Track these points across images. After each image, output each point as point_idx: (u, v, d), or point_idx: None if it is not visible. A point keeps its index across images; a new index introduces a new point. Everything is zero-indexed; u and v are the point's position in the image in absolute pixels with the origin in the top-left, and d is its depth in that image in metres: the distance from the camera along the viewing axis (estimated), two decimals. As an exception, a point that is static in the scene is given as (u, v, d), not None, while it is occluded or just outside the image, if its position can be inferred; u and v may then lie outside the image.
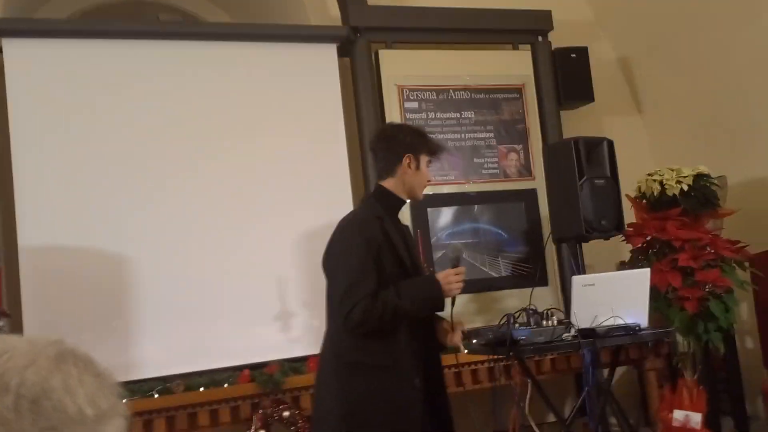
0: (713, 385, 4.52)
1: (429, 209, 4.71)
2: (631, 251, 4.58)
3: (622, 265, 4.82)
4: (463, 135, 4.91)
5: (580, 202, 4.06)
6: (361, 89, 4.68)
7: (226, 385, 3.79)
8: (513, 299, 4.58)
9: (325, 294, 2.59)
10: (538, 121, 5.06)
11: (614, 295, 3.34)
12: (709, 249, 4.30)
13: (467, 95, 4.94)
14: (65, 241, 3.96)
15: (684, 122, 5.37)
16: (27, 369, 0.66)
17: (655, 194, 4.46)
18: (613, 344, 3.46)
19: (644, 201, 4.57)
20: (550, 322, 3.37)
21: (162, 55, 4.33)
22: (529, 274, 4.78)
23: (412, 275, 2.55)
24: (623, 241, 4.53)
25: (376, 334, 2.46)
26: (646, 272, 3.49)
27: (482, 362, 4.11)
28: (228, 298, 4.16)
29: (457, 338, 2.65)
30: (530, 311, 3.39)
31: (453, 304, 2.61)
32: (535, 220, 4.91)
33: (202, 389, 3.74)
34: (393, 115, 4.70)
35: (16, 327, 3.74)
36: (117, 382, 0.74)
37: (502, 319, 3.30)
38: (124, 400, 0.74)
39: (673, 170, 4.46)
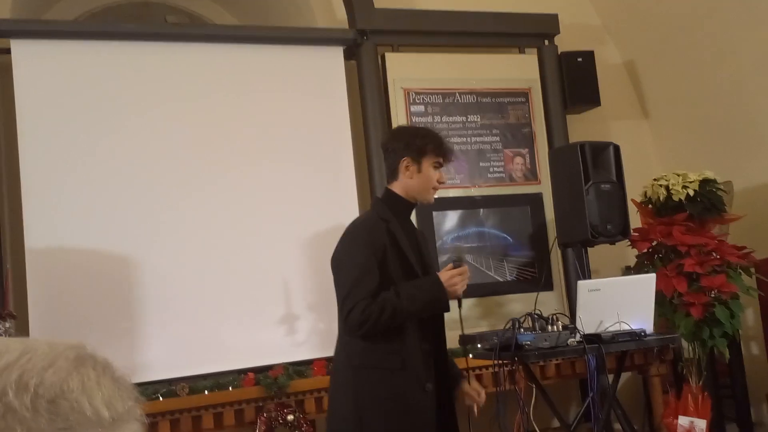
0: (718, 392, 4.51)
1: (434, 212, 4.71)
2: (637, 256, 4.57)
3: (628, 270, 4.82)
4: (469, 139, 4.91)
5: (585, 206, 4.06)
6: (367, 92, 4.69)
7: (230, 388, 3.79)
8: (518, 304, 4.58)
9: (333, 298, 2.61)
10: (544, 125, 5.06)
11: (620, 301, 3.34)
12: (714, 254, 4.29)
13: (473, 99, 4.94)
14: (72, 243, 3.97)
15: (690, 127, 5.36)
16: (46, 370, 0.67)
17: (661, 199, 4.45)
18: (618, 350, 3.45)
19: (650, 206, 4.56)
20: (555, 327, 3.35)
21: (169, 56, 4.34)
22: (534, 278, 4.77)
23: (417, 272, 2.54)
24: (629, 246, 4.52)
25: (377, 335, 2.45)
26: (651, 277, 3.49)
27: (486, 367, 4.11)
28: (233, 301, 4.17)
29: (480, 401, 2.69)
30: (535, 316, 3.38)
31: (460, 305, 2.59)
32: (540, 225, 4.91)
33: (206, 392, 3.74)
34: (399, 118, 4.70)
35: (23, 328, 3.75)
36: (134, 386, 0.74)
37: (507, 323, 3.29)
38: (139, 405, 0.74)
39: (679, 175, 4.46)
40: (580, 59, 5.16)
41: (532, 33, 5.13)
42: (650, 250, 4.46)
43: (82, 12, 5.53)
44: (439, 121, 4.83)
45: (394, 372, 2.45)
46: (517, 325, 3.25)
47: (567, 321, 3.45)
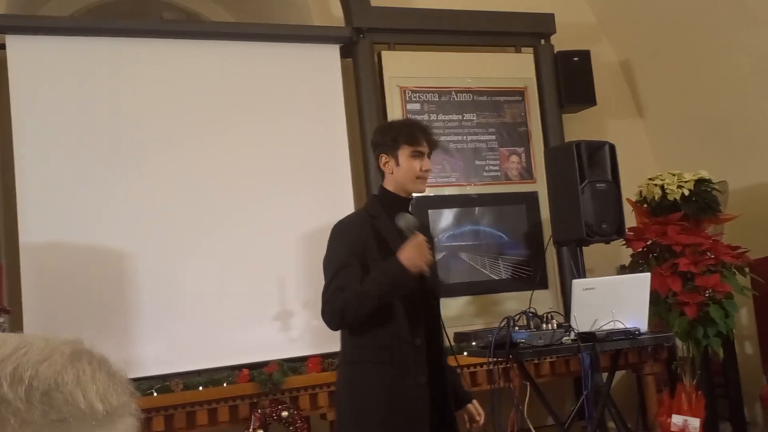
0: (712, 391, 4.52)
1: (430, 211, 4.72)
2: (632, 255, 4.58)
3: (623, 269, 4.83)
4: (464, 137, 4.91)
5: (581, 205, 4.06)
6: (363, 90, 4.69)
7: (225, 385, 3.79)
8: (513, 302, 4.58)
9: None
10: (539, 124, 5.07)
11: (614, 299, 3.34)
12: (709, 254, 4.30)
13: (469, 97, 4.95)
14: (66, 238, 3.97)
15: (685, 126, 5.37)
16: (41, 363, 0.67)
17: (656, 199, 4.46)
18: (612, 348, 3.45)
19: (645, 205, 4.57)
20: (549, 325, 3.36)
21: (164, 53, 4.33)
22: (530, 277, 4.78)
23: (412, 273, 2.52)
24: (624, 245, 4.52)
25: (364, 329, 2.46)
26: (646, 277, 3.49)
27: (481, 365, 4.11)
28: (228, 297, 4.16)
29: (479, 420, 2.68)
30: (530, 314, 3.39)
31: (427, 278, 2.45)
32: (535, 223, 4.92)
33: (201, 388, 3.74)
34: (395, 116, 4.70)
35: (17, 323, 3.75)
36: (130, 381, 0.74)
37: (501, 321, 3.29)
38: (134, 400, 0.74)
39: (674, 175, 4.47)
40: (576, 58, 5.17)
41: (529, 32, 5.14)
42: (645, 249, 4.47)
43: (77, 8, 5.52)
44: (435, 119, 4.84)
45: (383, 366, 2.46)
46: (512, 323, 3.26)
47: (562, 319, 3.46)
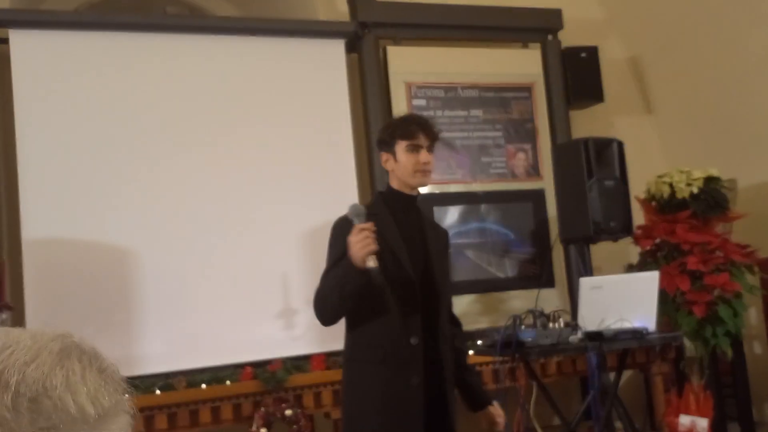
0: (720, 390, 4.49)
1: (435, 208, 4.68)
2: (640, 254, 4.55)
3: (630, 268, 4.79)
4: (470, 133, 4.87)
5: (588, 203, 4.02)
6: (368, 86, 4.65)
7: (228, 383, 3.77)
8: (519, 300, 4.55)
9: None
10: (547, 120, 5.02)
11: (622, 298, 3.31)
12: (718, 253, 4.27)
13: (476, 93, 4.91)
14: (69, 234, 3.95)
15: (694, 124, 5.32)
16: (28, 365, 0.65)
17: (665, 196, 4.43)
18: (620, 347, 3.42)
19: (654, 203, 4.53)
20: (556, 324, 3.33)
21: (168, 48, 4.31)
22: (536, 275, 4.74)
23: (406, 266, 2.47)
24: (632, 243, 4.49)
25: (333, 320, 2.47)
26: (654, 275, 3.46)
27: (487, 364, 4.08)
28: (231, 294, 4.14)
29: (499, 423, 2.64)
30: (537, 313, 3.36)
31: (373, 271, 2.30)
32: (542, 221, 4.88)
33: (204, 386, 3.72)
34: (400, 111, 4.64)
35: (19, 320, 3.73)
36: (123, 377, 0.72)
37: (508, 320, 3.26)
38: (128, 396, 0.71)
39: (683, 172, 4.43)
40: (583, 54, 5.12)
41: (536, 27, 5.10)
42: (653, 247, 4.44)
43: (81, 2, 5.49)
44: (441, 115, 4.80)
45: (377, 365, 2.44)
46: (518, 322, 3.23)
47: (569, 318, 3.42)
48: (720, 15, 4.81)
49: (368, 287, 2.35)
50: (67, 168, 4.01)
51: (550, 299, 4.55)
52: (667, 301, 4.17)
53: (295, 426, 3.75)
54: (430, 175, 2.59)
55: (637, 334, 3.25)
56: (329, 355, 3.95)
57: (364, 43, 4.68)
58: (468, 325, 4.33)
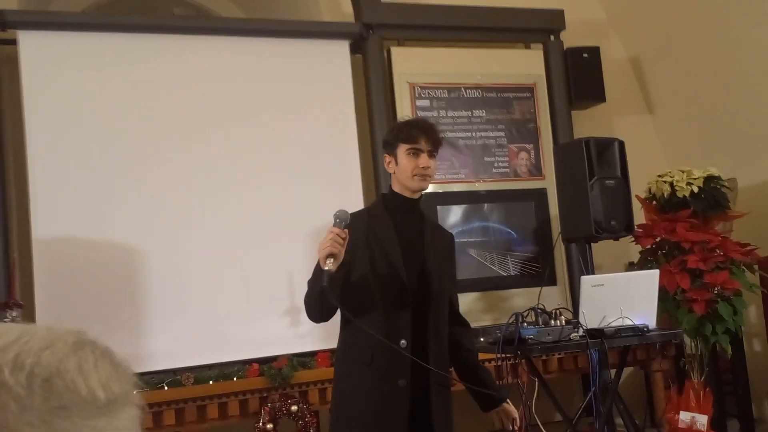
0: (720, 388, 4.53)
1: (439, 207, 4.73)
2: (641, 252, 4.58)
3: (631, 266, 4.83)
4: (473, 134, 4.91)
5: (590, 202, 4.06)
6: (372, 86, 4.70)
7: (235, 379, 3.82)
8: (521, 298, 4.60)
9: None
10: (549, 120, 5.07)
11: (623, 296, 3.35)
12: (718, 251, 4.30)
13: (479, 94, 4.95)
14: (78, 233, 4.00)
15: (695, 123, 5.36)
16: (44, 351, 0.67)
17: (666, 195, 4.46)
18: (620, 345, 3.47)
19: (654, 202, 4.57)
20: (558, 321, 3.37)
21: (175, 49, 4.35)
22: (538, 273, 4.79)
23: (399, 270, 2.47)
24: (632, 242, 4.53)
25: (321, 319, 2.49)
26: (655, 273, 3.50)
27: (489, 360, 4.11)
28: (238, 292, 4.19)
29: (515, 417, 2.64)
30: (538, 310, 3.40)
31: (326, 276, 2.29)
32: (544, 220, 4.92)
33: (211, 382, 3.77)
34: (404, 112, 4.70)
35: (29, 317, 3.78)
36: (134, 373, 0.75)
37: (510, 317, 3.31)
38: (137, 392, 0.75)
39: (683, 172, 4.47)
40: (585, 55, 5.16)
41: (538, 28, 5.14)
42: (654, 246, 4.47)
43: (89, 3, 5.55)
44: (444, 115, 4.84)
45: (365, 366, 2.45)
46: (520, 320, 3.27)
47: (570, 316, 3.46)
48: (721, 15, 4.85)
49: (346, 289, 2.38)
50: (76, 167, 4.06)
51: (552, 297, 4.60)
52: (667, 299, 4.21)
53: (301, 422, 3.80)
54: (429, 180, 2.58)
55: (638, 331, 3.29)
56: (334, 352, 3.98)
57: (369, 44, 4.72)
58: (471, 323, 4.36)
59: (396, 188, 2.60)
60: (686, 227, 4.32)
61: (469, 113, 4.91)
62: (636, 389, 5.05)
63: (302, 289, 2.59)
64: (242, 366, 3.91)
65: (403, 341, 2.43)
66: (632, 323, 3.29)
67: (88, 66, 4.17)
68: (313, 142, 4.49)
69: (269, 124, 4.44)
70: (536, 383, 3.54)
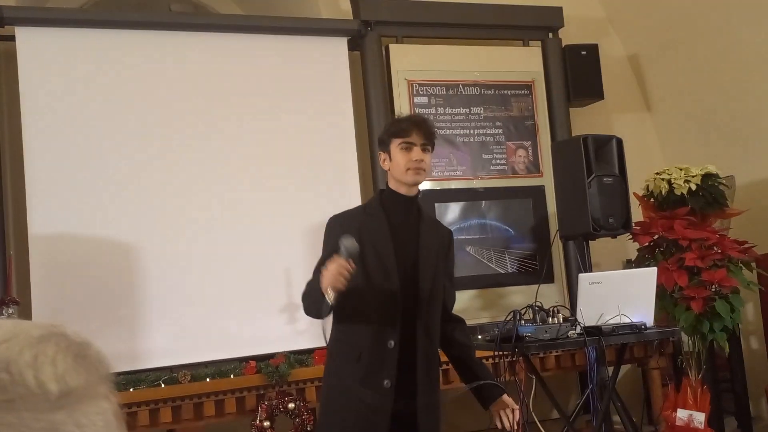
0: (717, 385, 4.53)
1: (436, 204, 4.72)
2: (638, 250, 4.58)
3: (629, 264, 4.83)
4: (471, 131, 4.91)
5: (588, 199, 4.06)
6: (370, 83, 4.69)
7: (232, 376, 3.82)
8: (519, 296, 4.59)
9: None
10: (547, 117, 5.06)
11: (620, 294, 3.35)
12: (716, 249, 4.30)
13: (477, 91, 4.95)
14: (75, 230, 3.99)
15: (693, 121, 5.36)
16: (0, 345, 0.66)
17: (663, 193, 4.46)
18: (618, 342, 3.47)
19: (652, 200, 4.57)
20: (555, 319, 3.38)
21: (173, 45, 4.35)
22: (536, 270, 4.78)
23: (391, 269, 2.47)
24: (630, 239, 4.53)
25: (341, 324, 2.52)
26: (652, 271, 3.50)
27: (487, 358, 4.11)
28: (235, 289, 4.19)
29: (507, 423, 2.58)
30: (536, 308, 3.40)
31: (327, 302, 2.31)
32: (542, 217, 4.92)
33: (208, 380, 3.77)
34: (402, 109, 4.70)
35: (25, 314, 3.78)
36: (108, 367, 0.72)
37: (508, 315, 3.31)
38: (110, 384, 0.71)
39: (681, 169, 4.46)
40: (584, 52, 5.16)
41: (537, 25, 5.13)
42: (651, 243, 4.47)
43: (86, 0, 5.53)
44: (442, 112, 4.84)
45: (353, 364, 2.46)
46: (518, 317, 3.27)
47: (568, 313, 3.47)
48: (719, 13, 4.85)
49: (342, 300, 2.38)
50: (73, 164, 4.05)
51: (550, 295, 4.60)
52: (665, 297, 4.21)
53: (297, 419, 3.80)
54: (423, 174, 2.55)
55: (636, 329, 3.29)
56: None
57: (367, 41, 4.72)
58: (468, 320, 4.36)
59: (392, 185, 2.58)
60: (684, 225, 4.32)
61: (467, 110, 4.91)
62: (633, 387, 5.06)
63: (299, 287, 2.60)
64: (239, 363, 3.91)
65: (390, 341, 2.43)
66: (630, 321, 3.29)
67: (86, 62, 4.16)
68: (310, 139, 4.49)
69: (266, 121, 4.43)
70: (534, 381, 3.54)
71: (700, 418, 4.14)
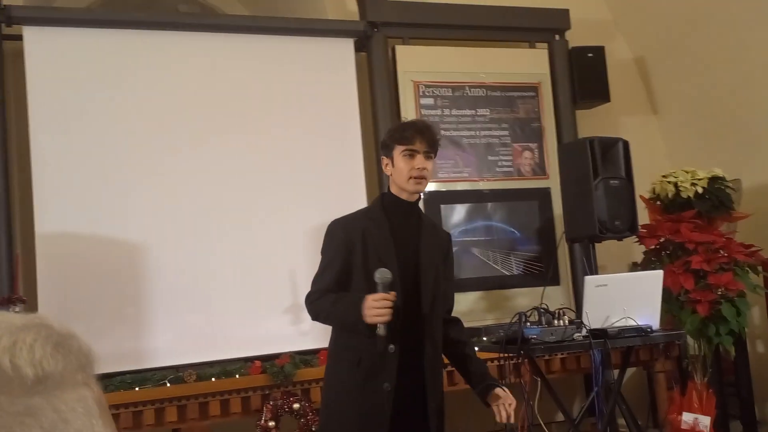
0: (723, 389, 4.52)
1: (442, 206, 4.72)
2: (644, 252, 4.58)
3: (635, 267, 4.82)
4: (477, 132, 4.91)
5: (594, 202, 4.06)
6: (377, 84, 4.69)
7: (237, 376, 3.82)
8: (524, 298, 4.59)
9: None
10: (553, 119, 5.06)
11: (626, 296, 3.35)
12: (722, 252, 4.30)
13: (483, 92, 4.95)
14: (81, 229, 4.00)
15: (699, 124, 5.35)
16: None
17: (670, 196, 4.46)
18: (623, 345, 3.46)
19: (658, 202, 4.56)
20: (561, 321, 3.37)
21: (180, 46, 4.36)
22: (541, 273, 4.78)
23: (395, 276, 2.44)
24: (636, 242, 4.52)
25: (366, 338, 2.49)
26: (658, 274, 3.50)
27: (492, 360, 4.12)
28: (241, 289, 4.19)
29: (504, 414, 2.52)
30: (542, 310, 3.40)
31: (379, 334, 2.36)
32: (548, 219, 4.91)
33: (213, 379, 3.77)
34: (408, 111, 4.70)
35: (32, 312, 3.78)
36: (90, 357, 0.72)
37: (513, 317, 3.31)
38: (94, 374, 0.72)
39: (687, 172, 4.46)
40: (590, 54, 5.15)
41: (543, 27, 5.13)
42: (658, 246, 4.46)
43: (93, 0, 5.54)
44: (448, 114, 4.84)
45: (353, 367, 2.47)
46: (523, 319, 3.27)
47: (573, 316, 3.46)
48: (726, 16, 4.84)
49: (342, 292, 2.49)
50: (80, 163, 4.06)
51: (555, 297, 4.59)
52: (671, 300, 4.20)
53: (302, 420, 3.80)
54: (425, 182, 2.56)
55: (641, 332, 3.28)
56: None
57: (373, 42, 4.72)
58: (474, 322, 4.38)
59: (393, 190, 2.60)
60: (690, 228, 4.32)
61: (473, 112, 4.91)
62: (639, 390, 5.04)
63: (304, 288, 2.61)
64: (244, 363, 3.92)
65: (391, 346, 2.43)
66: (635, 324, 3.28)
67: (93, 62, 4.17)
68: (316, 140, 4.49)
69: (272, 121, 4.44)
70: (539, 383, 3.54)
71: (705, 421, 4.13)
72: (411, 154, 2.52)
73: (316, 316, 2.57)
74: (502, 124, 4.96)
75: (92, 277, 3.99)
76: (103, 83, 4.16)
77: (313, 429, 3.78)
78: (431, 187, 4.72)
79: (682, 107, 5.48)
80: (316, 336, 4.17)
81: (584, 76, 5.13)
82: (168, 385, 3.70)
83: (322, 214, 4.30)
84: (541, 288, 4.16)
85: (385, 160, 2.60)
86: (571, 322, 3.35)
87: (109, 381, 3.64)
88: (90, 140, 4.10)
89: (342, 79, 4.63)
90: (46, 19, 4.19)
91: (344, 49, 4.68)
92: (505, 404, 2.51)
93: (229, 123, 4.35)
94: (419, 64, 4.83)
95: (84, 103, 4.12)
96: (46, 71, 4.08)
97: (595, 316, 3.26)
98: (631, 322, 3.28)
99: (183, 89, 4.30)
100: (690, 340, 4.41)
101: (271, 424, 3.73)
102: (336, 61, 4.64)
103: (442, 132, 4.79)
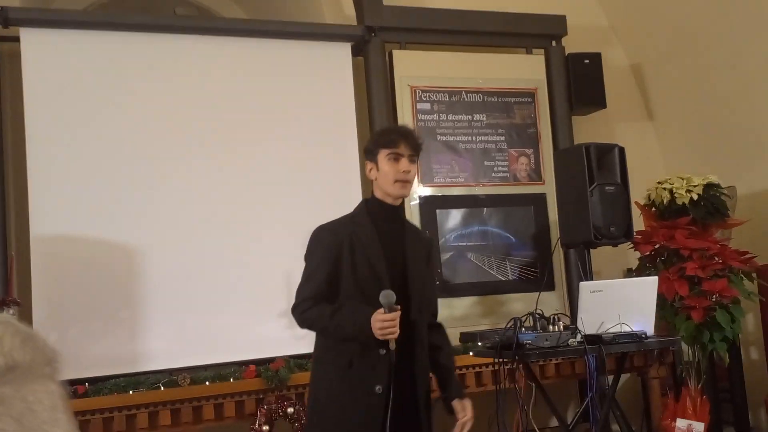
0: (717, 395, 4.53)
1: (438, 210, 4.73)
2: (639, 259, 4.59)
3: (630, 273, 4.83)
4: (474, 138, 4.92)
5: (589, 208, 4.06)
6: (373, 89, 4.70)
7: (231, 380, 3.81)
8: (519, 303, 4.59)
9: None
10: (549, 125, 5.07)
11: (621, 302, 3.35)
12: (717, 259, 4.31)
13: (479, 98, 4.96)
14: (76, 231, 3.99)
15: (695, 131, 5.37)
16: None
17: (665, 202, 4.47)
18: (618, 351, 3.46)
19: (654, 209, 4.58)
20: (556, 327, 3.38)
21: (177, 49, 4.36)
22: (537, 278, 4.79)
23: (383, 278, 2.47)
24: (631, 248, 4.53)
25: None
26: (653, 280, 3.50)
27: (486, 365, 4.12)
28: (235, 293, 4.19)
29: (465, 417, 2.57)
30: (537, 315, 3.40)
31: (389, 351, 2.40)
32: (543, 225, 4.92)
33: (207, 383, 3.76)
34: (405, 115, 4.71)
35: (26, 315, 3.77)
36: (54, 352, 0.76)
37: (508, 322, 3.31)
38: (59, 371, 0.75)
39: (683, 179, 4.47)
40: (586, 61, 5.17)
41: (540, 33, 5.14)
42: (653, 252, 4.47)
43: (91, 2, 5.55)
44: (444, 119, 4.85)
45: (343, 370, 2.47)
46: (518, 324, 3.27)
47: (568, 321, 3.47)
48: (722, 23, 4.86)
49: (331, 298, 2.48)
50: (76, 165, 4.06)
51: (550, 302, 4.60)
52: (665, 306, 4.21)
53: (297, 424, 3.80)
54: (409, 186, 2.59)
55: (636, 338, 3.29)
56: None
57: (371, 46, 4.73)
58: (469, 327, 4.39)
59: (378, 195, 2.61)
60: (685, 234, 4.33)
61: (470, 117, 4.92)
62: (633, 396, 5.05)
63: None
64: (239, 367, 3.91)
65: (382, 348, 2.43)
66: (630, 330, 3.29)
67: (90, 64, 4.17)
68: (313, 144, 4.49)
69: (269, 125, 4.44)
70: (533, 388, 3.54)
71: (699, 427, 4.14)
72: (396, 158, 2.54)
73: (309, 326, 2.55)
74: (499, 130, 4.97)
75: (87, 279, 3.98)
76: (100, 85, 4.16)
77: None
78: (427, 191, 4.73)
79: (678, 114, 5.49)
80: (310, 341, 4.13)
81: (581, 82, 5.14)
82: (162, 388, 3.69)
83: (317, 218, 4.27)
84: (536, 293, 4.16)
85: (369, 165, 2.62)
86: (566, 327, 3.35)
87: (103, 384, 3.63)
88: (86, 142, 4.09)
89: (339, 83, 4.63)
90: (43, 21, 4.19)
91: (341, 54, 4.69)
92: (463, 421, 2.57)
93: (225, 127, 4.35)
94: (416, 69, 4.83)
95: (80, 106, 4.11)
96: (42, 73, 4.08)
97: (589, 322, 3.27)
98: (626, 328, 3.28)
99: (179, 92, 4.30)
100: (684, 347, 4.42)
101: (265, 428, 3.72)
102: (333, 66, 4.65)
103: (439, 137, 4.81)
